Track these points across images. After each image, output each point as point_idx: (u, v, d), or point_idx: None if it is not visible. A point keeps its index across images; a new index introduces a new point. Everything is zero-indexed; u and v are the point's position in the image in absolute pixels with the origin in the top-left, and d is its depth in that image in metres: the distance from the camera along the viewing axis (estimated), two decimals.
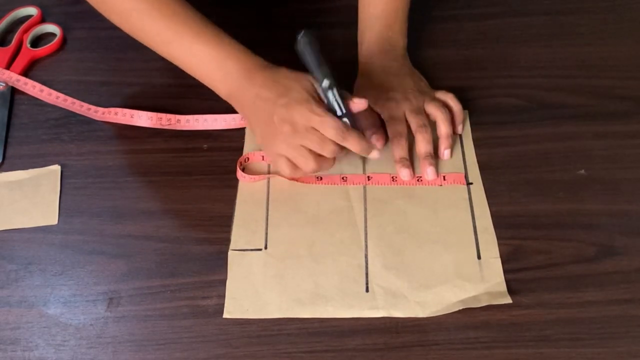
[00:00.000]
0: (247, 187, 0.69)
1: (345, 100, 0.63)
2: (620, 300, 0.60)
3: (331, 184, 0.68)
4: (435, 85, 0.76)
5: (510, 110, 0.74)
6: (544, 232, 0.65)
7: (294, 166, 0.65)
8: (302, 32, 0.62)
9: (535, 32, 0.82)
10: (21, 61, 0.81)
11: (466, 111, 0.74)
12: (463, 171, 0.69)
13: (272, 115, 0.62)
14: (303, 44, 0.62)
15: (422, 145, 0.69)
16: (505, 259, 0.63)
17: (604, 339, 0.58)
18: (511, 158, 0.70)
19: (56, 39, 0.83)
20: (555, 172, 0.69)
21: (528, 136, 0.72)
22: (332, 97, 0.63)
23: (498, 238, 0.64)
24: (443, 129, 0.69)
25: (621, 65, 0.78)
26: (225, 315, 0.60)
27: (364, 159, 0.70)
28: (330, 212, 0.67)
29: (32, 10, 0.87)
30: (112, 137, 0.74)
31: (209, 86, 0.67)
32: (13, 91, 0.79)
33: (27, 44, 0.83)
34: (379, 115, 0.71)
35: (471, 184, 0.68)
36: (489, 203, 0.67)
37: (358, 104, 0.64)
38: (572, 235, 0.64)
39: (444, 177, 0.69)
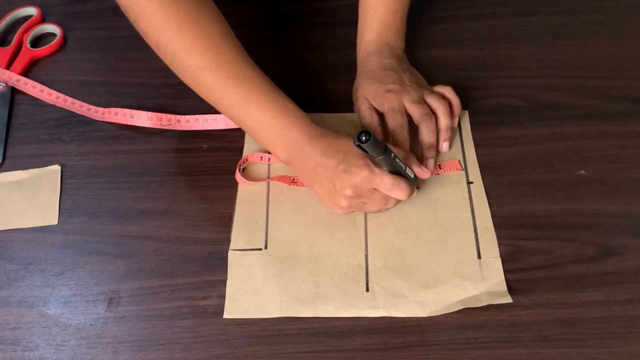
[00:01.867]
0: (247, 187, 0.69)
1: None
2: (620, 300, 0.60)
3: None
4: (435, 85, 0.76)
5: (510, 110, 0.74)
6: (544, 232, 0.65)
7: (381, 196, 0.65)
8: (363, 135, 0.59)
9: (535, 32, 0.82)
10: (21, 61, 0.81)
11: (466, 111, 0.74)
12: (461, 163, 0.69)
13: (333, 180, 0.63)
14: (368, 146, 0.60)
15: (426, 135, 0.69)
16: (506, 259, 0.63)
17: (604, 339, 0.58)
18: (511, 158, 0.70)
19: (56, 39, 0.83)
20: (555, 172, 0.69)
21: (528, 136, 0.72)
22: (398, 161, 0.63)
23: (498, 238, 0.64)
24: (443, 121, 0.70)
25: (621, 65, 0.78)
26: (226, 315, 0.60)
27: None
28: (330, 212, 0.66)
29: (32, 10, 0.87)
30: (112, 137, 0.74)
31: (268, 149, 0.67)
32: (13, 91, 0.79)
33: (27, 44, 0.83)
34: (377, 111, 0.71)
35: (471, 183, 0.68)
36: (489, 203, 0.67)
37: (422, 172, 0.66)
38: (572, 235, 0.64)
39: (439, 165, 0.69)
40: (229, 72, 0.64)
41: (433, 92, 0.71)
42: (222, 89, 0.64)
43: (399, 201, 0.66)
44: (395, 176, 0.62)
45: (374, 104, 0.71)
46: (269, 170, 0.70)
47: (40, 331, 0.61)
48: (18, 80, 0.79)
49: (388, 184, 0.62)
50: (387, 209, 0.66)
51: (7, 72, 0.79)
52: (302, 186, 0.68)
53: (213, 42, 0.64)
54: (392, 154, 0.61)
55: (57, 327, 0.61)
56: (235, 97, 0.64)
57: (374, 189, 0.63)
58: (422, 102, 0.70)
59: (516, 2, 0.86)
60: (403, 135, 0.68)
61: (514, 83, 0.77)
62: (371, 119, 0.71)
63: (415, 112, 0.69)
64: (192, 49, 0.63)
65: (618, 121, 0.73)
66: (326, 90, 0.77)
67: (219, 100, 0.66)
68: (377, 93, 0.71)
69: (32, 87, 0.78)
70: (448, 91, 0.72)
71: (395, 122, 0.69)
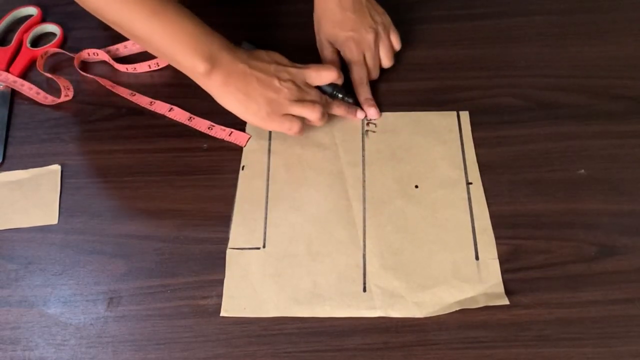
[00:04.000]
0: (247, 186, 0.69)
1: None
2: (620, 300, 0.60)
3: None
4: (435, 85, 0.76)
5: (510, 110, 0.74)
6: (544, 232, 0.65)
7: (300, 122, 0.70)
8: None
9: (535, 32, 0.82)
10: (21, 61, 0.81)
11: (466, 112, 0.74)
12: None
13: (273, 80, 0.68)
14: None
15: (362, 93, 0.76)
16: (505, 259, 0.63)
17: (603, 339, 0.58)
18: (511, 158, 0.70)
19: (56, 39, 0.83)
20: (555, 172, 0.69)
21: (528, 136, 0.72)
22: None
23: (498, 238, 0.64)
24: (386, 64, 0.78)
25: (621, 65, 0.78)
26: (223, 313, 0.60)
27: (363, 155, 0.71)
28: (329, 212, 0.67)
29: (32, 10, 0.87)
30: (112, 137, 0.74)
31: (183, 62, 0.67)
32: (13, 90, 0.79)
33: (27, 43, 0.83)
34: (338, 52, 0.77)
35: (470, 184, 0.68)
36: (489, 203, 0.67)
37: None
38: (572, 235, 0.64)
39: (230, 132, 0.73)
40: None
41: (383, 40, 0.76)
42: (130, 5, 0.65)
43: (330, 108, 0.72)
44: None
45: (336, 47, 0.77)
46: (268, 165, 0.70)
47: (40, 330, 0.61)
48: (15, 82, 0.79)
49: (314, 70, 0.70)
50: (325, 118, 0.71)
51: (5, 73, 0.79)
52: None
53: None
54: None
55: (57, 327, 0.61)
56: (146, 12, 0.65)
57: (306, 83, 0.70)
58: (376, 54, 0.76)
59: (516, 2, 0.86)
60: (364, 86, 0.75)
61: (514, 83, 0.77)
62: (332, 60, 0.77)
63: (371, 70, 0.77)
64: None
65: (618, 121, 0.73)
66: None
67: (126, 18, 0.66)
68: (338, 39, 0.76)
69: (28, 89, 0.78)
70: (395, 39, 0.77)
71: (357, 76, 0.75)
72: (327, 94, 0.73)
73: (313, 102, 0.70)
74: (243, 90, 0.67)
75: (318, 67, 0.71)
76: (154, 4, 0.65)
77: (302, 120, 0.70)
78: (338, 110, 0.73)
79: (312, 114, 0.69)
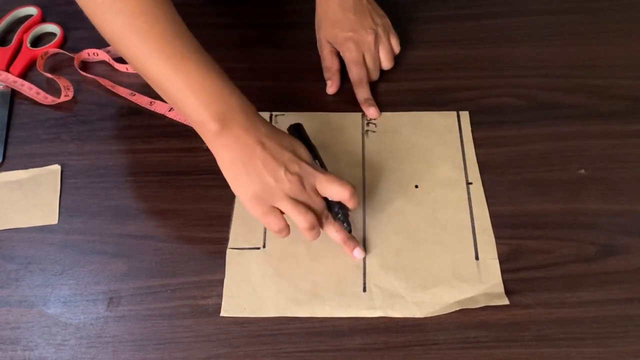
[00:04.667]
0: None
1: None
2: (620, 300, 0.60)
3: None
4: (435, 85, 0.77)
5: (510, 110, 0.74)
6: (544, 232, 0.65)
7: (285, 223, 0.60)
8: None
9: (535, 32, 0.82)
10: (21, 61, 0.81)
11: (466, 112, 0.74)
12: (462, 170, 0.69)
13: (280, 168, 0.59)
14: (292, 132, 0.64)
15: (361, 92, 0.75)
16: (505, 259, 0.63)
17: (604, 339, 0.58)
18: (511, 158, 0.70)
19: (56, 39, 0.83)
20: (555, 172, 0.69)
21: (528, 136, 0.72)
22: None
23: (498, 238, 0.64)
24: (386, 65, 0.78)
25: (620, 65, 0.78)
26: (222, 313, 0.60)
27: (363, 156, 0.70)
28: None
29: (32, 10, 0.87)
30: (112, 137, 0.74)
31: (196, 119, 0.60)
32: (13, 90, 0.79)
33: (27, 43, 0.83)
34: (337, 53, 0.77)
35: (471, 184, 0.68)
36: (488, 203, 0.67)
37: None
38: (572, 235, 0.64)
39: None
40: (161, 37, 0.59)
41: (383, 42, 0.76)
42: (152, 52, 0.59)
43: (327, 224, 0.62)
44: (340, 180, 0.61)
45: (336, 47, 0.77)
46: None
47: (40, 330, 0.61)
48: (15, 82, 0.79)
49: (328, 179, 0.60)
50: (314, 232, 0.60)
51: (5, 73, 0.79)
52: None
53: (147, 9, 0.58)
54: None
55: (57, 327, 0.61)
56: (168, 52, 0.59)
57: (315, 188, 0.60)
58: (376, 60, 0.76)
59: (516, 2, 0.86)
60: (364, 86, 0.75)
61: (514, 83, 0.77)
62: (331, 63, 0.77)
63: (371, 70, 0.77)
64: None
65: (618, 121, 0.73)
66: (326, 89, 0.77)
67: (149, 52, 0.59)
68: (337, 39, 0.76)
69: (28, 89, 0.78)
70: (394, 42, 0.78)
71: (356, 75, 0.75)
72: (330, 211, 0.63)
73: (309, 208, 0.60)
74: (243, 162, 0.59)
75: (334, 179, 0.60)
76: (174, 47, 0.59)
77: (287, 223, 0.60)
78: (335, 234, 0.62)
79: (302, 220, 0.59)
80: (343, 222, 0.62)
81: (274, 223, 0.60)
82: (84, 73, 0.79)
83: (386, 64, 0.77)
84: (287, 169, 0.59)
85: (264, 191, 0.59)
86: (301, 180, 0.60)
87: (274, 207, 0.60)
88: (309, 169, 0.60)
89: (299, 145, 0.62)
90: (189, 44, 0.60)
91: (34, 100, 0.77)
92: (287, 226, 0.60)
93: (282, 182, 0.59)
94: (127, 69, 0.80)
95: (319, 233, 0.61)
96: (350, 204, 0.61)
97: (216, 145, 0.60)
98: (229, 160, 0.60)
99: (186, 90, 0.59)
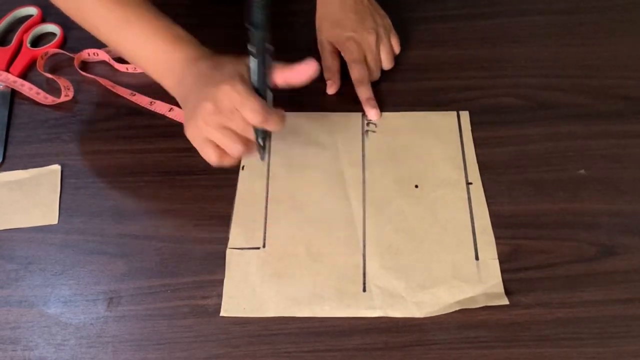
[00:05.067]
0: (246, 186, 0.69)
1: (270, 70, 0.60)
2: (620, 300, 0.60)
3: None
4: (435, 85, 0.76)
5: (510, 110, 0.74)
6: (544, 232, 0.65)
7: (222, 152, 0.61)
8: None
9: (535, 32, 0.82)
10: (21, 61, 0.81)
11: (466, 112, 0.74)
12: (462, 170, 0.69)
13: (199, 95, 0.60)
14: (256, 4, 0.58)
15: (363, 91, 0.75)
16: (505, 259, 0.63)
17: (604, 339, 0.58)
18: (511, 158, 0.70)
19: (56, 39, 0.83)
20: (555, 172, 0.69)
21: (528, 136, 0.72)
22: (253, 65, 0.59)
23: (498, 238, 0.64)
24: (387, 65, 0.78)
25: (621, 65, 0.78)
26: (222, 313, 0.60)
27: (363, 156, 0.70)
28: (329, 211, 0.67)
29: (32, 10, 0.87)
30: (112, 137, 0.74)
31: (156, 79, 0.66)
32: (13, 90, 0.79)
33: (27, 43, 0.83)
34: (338, 53, 0.76)
35: (470, 184, 0.68)
36: (488, 203, 0.67)
37: (299, 73, 0.61)
38: (572, 235, 0.64)
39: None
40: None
41: (384, 42, 0.76)
42: (103, 11, 0.64)
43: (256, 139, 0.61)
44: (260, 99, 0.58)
45: (337, 47, 0.77)
46: (268, 173, 0.70)
47: (40, 330, 0.61)
48: (15, 82, 0.79)
49: (247, 105, 0.58)
50: (242, 149, 0.60)
51: (5, 73, 0.79)
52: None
53: None
54: (257, 50, 0.57)
55: (57, 327, 0.61)
56: (116, 20, 0.64)
57: (236, 108, 0.58)
58: (377, 60, 0.76)
59: (516, 2, 0.86)
60: (365, 86, 0.74)
61: (514, 83, 0.77)
62: (332, 63, 0.76)
63: (372, 69, 0.76)
64: None
65: (618, 121, 0.73)
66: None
67: (100, 24, 0.65)
68: (338, 39, 0.76)
69: (28, 89, 0.78)
70: (395, 42, 0.78)
71: (358, 75, 0.75)
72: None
73: (236, 133, 0.59)
74: (184, 102, 0.64)
75: (257, 110, 0.58)
76: (125, 12, 0.63)
77: (222, 152, 0.61)
78: (273, 126, 0.60)
79: (230, 150, 0.60)
80: (257, 138, 0.60)
81: (208, 154, 0.61)
82: (84, 73, 0.79)
83: (387, 64, 0.77)
84: (217, 104, 0.58)
85: (196, 125, 0.60)
86: (219, 111, 0.58)
87: (208, 138, 0.60)
88: (239, 100, 0.57)
89: (238, 78, 0.58)
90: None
91: (34, 101, 0.78)
92: (222, 156, 0.61)
93: (210, 115, 0.58)
94: (127, 69, 0.80)
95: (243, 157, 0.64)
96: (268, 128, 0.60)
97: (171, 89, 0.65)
98: (180, 100, 0.65)
99: (136, 57, 0.65)
